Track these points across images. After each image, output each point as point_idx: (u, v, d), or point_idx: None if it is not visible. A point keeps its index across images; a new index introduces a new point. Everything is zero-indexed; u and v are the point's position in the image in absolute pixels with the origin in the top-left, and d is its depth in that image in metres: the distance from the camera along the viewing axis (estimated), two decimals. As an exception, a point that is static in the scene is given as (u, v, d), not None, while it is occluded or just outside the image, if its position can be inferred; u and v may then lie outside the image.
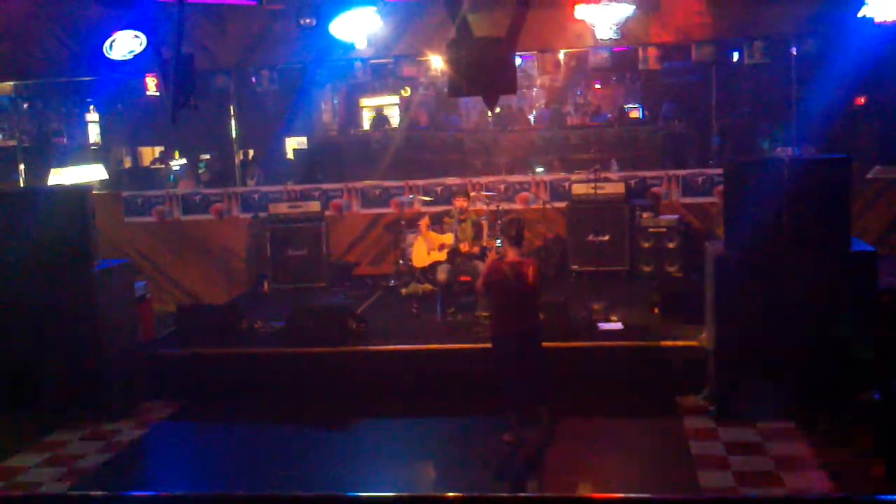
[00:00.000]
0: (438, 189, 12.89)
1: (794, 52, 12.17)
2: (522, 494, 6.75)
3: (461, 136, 16.99)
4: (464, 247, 10.06)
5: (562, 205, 12.34)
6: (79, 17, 12.62)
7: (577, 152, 15.49)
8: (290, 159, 17.43)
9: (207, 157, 17.27)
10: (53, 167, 14.13)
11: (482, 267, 9.99)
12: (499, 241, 11.19)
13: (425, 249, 10.46)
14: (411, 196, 12.91)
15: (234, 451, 8.23)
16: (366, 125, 20.68)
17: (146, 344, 9.82)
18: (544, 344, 7.97)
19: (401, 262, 11.93)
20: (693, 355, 8.45)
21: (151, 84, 12.56)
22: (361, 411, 8.81)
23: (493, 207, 11.85)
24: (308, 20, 11.25)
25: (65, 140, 17.17)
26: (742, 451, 7.32)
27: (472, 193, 11.78)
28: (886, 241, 11.28)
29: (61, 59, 12.92)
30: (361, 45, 11.72)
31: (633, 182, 12.43)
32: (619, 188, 12.14)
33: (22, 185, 14.08)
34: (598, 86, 20.83)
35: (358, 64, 12.48)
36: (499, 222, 11.64)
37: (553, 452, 7.79)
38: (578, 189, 12.15)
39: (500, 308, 7.73)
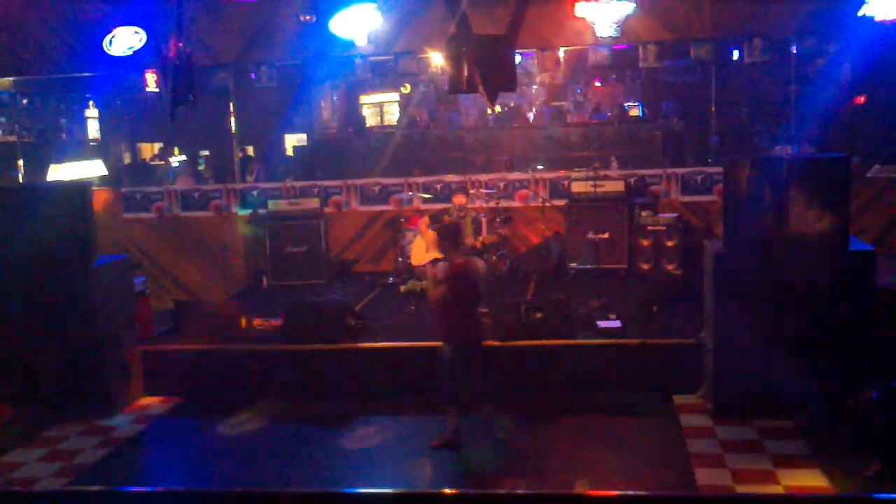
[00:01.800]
0: (438, 186, 12.88)
1: (794, 51, 12.17)
2: (519, 491, 6.75)
3: (461, 134, 17.00)
4: (468, 241, 10.06)
5: (561, 202, 12.35)
6: (79, 13, 12.62)
7: (577, 150, 15.50)
8: (289, 156, 17.44)
9: (206, 153, 17.28)
10: (52, 163, 14.15)
11: (480, 264, 10.00)
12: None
13: (424, 248, 10.46)
14: (410, 193, 12.91)
15: (231, 447, 8.23)
16: (366, 122, 20.69)
17: (144, 340, 9.81)
18: (546, 341, 7.96)
19: (399, 259, 11.93)
20: (691, 353, 8.45)
21: (151, 80, 12.54)
22: (359, 408, 8.82)
23: (492, 205, 11.85)
24: (308, 17, 11.25)
25: (64, 136, 17.17)
26: (739, 449, 7.32)
27: (472, 191, 11.78)
28: (885, 240, 11.28)
29: (61, 54, 12.91)
30: (361, 41, 11.72)
31: (632, 180, 12.43)
32: (619, 186, 12.15)
33: (21, 180, 14.08)
34: (598, 84, 20.82)
35: (358, 61, 12.48)
36: (497, 220, 11.65)
37: (550, 449, 7.80)
38: (578, 187, 12.15)
39: (448, 311, 7.60)
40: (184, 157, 17.37)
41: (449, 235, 7.76)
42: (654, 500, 3.45)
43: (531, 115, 18.82)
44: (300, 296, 11.43)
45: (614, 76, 20.12)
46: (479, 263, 7.72)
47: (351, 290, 11.89)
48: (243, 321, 10.08)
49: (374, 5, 11.33)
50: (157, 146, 18.66)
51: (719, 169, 11.20)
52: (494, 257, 11.25)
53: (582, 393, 8.62)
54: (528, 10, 8.04)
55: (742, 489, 6.65)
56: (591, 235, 11.76)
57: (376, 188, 13.20)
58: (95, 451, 8.01)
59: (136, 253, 12.91)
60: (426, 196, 12.74)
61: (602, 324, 9.43)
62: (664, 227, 11.82)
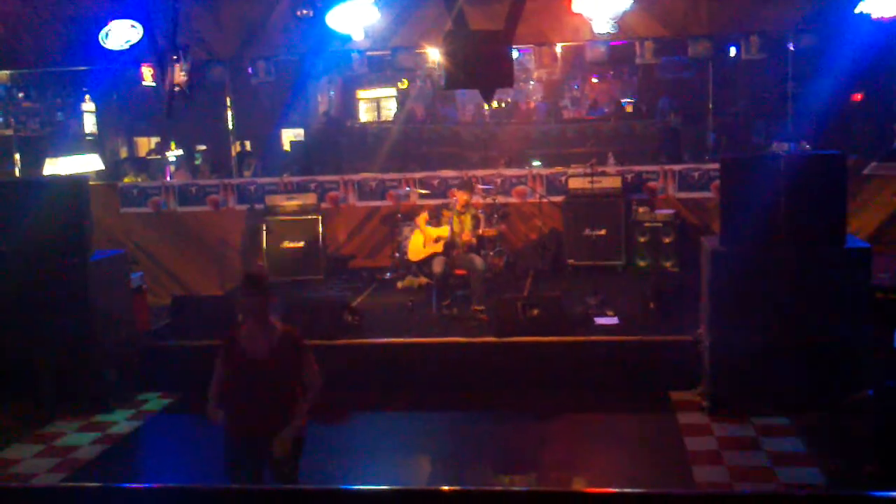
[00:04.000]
0: (435, 182, 12.87)
1: (791, 48, 12.17)
2: (517, 488, 6.76)
3: (458, 129, 16.99)
4: (461, 237, 10.05)
5: (558, 199, 12.35)
6: (75, 6, 12.56)
7: (574, 146, 15.49)
8: (286, 151, 17.41)
9: (203, 148, 17.25)
10: (49, 157, 14.10)
11: (478, 261, 10.02)
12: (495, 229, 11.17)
13: (421, 243, 10.45)
14: (408, 189, 12.90)
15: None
16: (363, 117, 20.67)
17: (141, 335, 9.81)
18: (544, 338, 7.75)
19: (396, 255, 11.94)
20: (688, 350, 8.46)
21: (147, 74, 12.51)
22: (356, 404, 8.81)
23: (489, 201, 11.85)
24: (305, 11, 11.22)
25: (61, 129, 17.12)
26: (736, 446, 7.34)
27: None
28: (881, 237, 11.29)
29: (57, 48, 12.86)
30: (358, 36, 11.70)
31: (629, 176, 12.43)
32: (616, 182, 12.15)
33: (17, 174, 14.04)
34: (595, 80, 20.83)
35: (355, 56, 12.45)
36: (494, 216, 11.65)
37: (547, 446, 7.80)
38: (575, 183, 12.16)
39: (237, 402, 5.47)
40: (180, 152, 17.34)
41: (254, 287, 5.39)
42: (651, 498, 3.46)
43: (528, 111, 18.81)
44: (297, 291, 11.42)
45: (611, 72, 20.13)
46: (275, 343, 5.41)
47: (348, 286, 11.89)
48: (240, 317, 10.06)
49: (371, 0, 11.31)
50: (154, 140, 18.62)
51: (716, 165, 11.21)
52: (492, 253, 11.25)
53: (579, 390, 8.62)
54: (525, 5, 8.02)
55: (739, 486, 6.66)
56: (588, 232, 11.79)
57: (373, 183, 13.19)
58: (93, 448, 8.01)
59: (133, 248, 12.87)
60: (423, 192, 12.74)
61: (599, 320, 9.44)
62: (661, 224, 11.84)
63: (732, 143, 14.72)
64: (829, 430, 7.41)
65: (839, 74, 12.40)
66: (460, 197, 10.24)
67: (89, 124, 18.32)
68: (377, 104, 21.13)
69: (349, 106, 20.95)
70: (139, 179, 14.22)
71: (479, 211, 10.75)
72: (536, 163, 14.44)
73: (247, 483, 5.23)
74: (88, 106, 18.15)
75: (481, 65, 7.76)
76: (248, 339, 5.41)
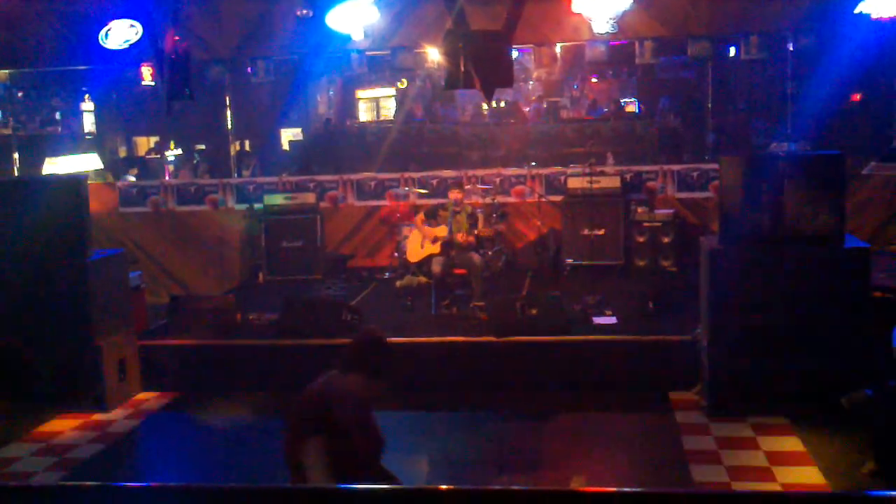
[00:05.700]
0: (434, 181, 12.87)
1: (791, 48, 12.18)
2: (515, 487, 6.76)
3: (457, 129, 16.99)
4: (460, 237, 10.04)
5: (557, 198, 12.35)
6: (74, 5, 12.57)
7: (573, 146, 15.50)
8: (285, 150, 17.43)
9: (202, 147, 17.27)
10: (48, 156, 14.11)
11: (477, 259, 10.02)
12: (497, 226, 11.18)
13: (419, 243, 10.45)
14: (407, 188, 12.90)
15: (227, 442, 8.22)
16: (362, 117, 20.68)
17: (140, 334, 9.80)
18: (541, 337, 7.68)
19: (395, 254, 11.94)
20: (686, 350, 8.46)
21: (147, 74, 12.52)
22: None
23: (488, 200, 11.85)
24: (305, 11, 11.23)
25: (59, 129, 17.15)
26: (734, 446, 7.33)
27: (468, 186, 11.78)
28: (880, 237, 11.30)
29: (56, 47, 12.87)
30: (358, 36, 11.70)
31: (628, 176, 12.43)
32: (615, 182, 12.14)
33: (16, 174, 14.04)
34: (594, 79, 20.83)
35: (354, 55, 12.45)
36: (493, 216, 11.65)
37: (545, 445, 7.80)
38: (574, 183, 12.15)
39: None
40: (180, 152, 17.36)
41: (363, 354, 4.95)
42: (649, 497, 3.46)
43: (527, 111, 18.81)
44: (296, 291, 11.42)
45: (611, 72, 20.14)
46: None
47: (347, 286, 11.89)
48: (239, 316, 10.08)
49: (370, 0, 11.31)
50: (153, 140, 18.63)
51: (715, 165, 11.24)
52: (490, 253, 11.25)
53: (577, 389, 8.62)
54: (525, 5, 8.04)
55: (738, 486, 6.66)
56: (586, 231, 11.78)
57: (372, 183, 13.19)
58: (91, 447, 8.00)
59: (132, 247, 12.88)
60: (422, 191, 12.74)
61: (598, 320, 9.43)
62: (660, 224, 11.83)
63: (732, 143, 14.74)
64: (827, 429, 7.41)
65: (839, 74, 12.41)
66: (452, 196, 10.24)
67: (88, 124, 18.37)
68: (376, 104, 21.14)
69: (349, 106, 20.95)
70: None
71: (478, 210, 10.75)
72: (533, 164, 14.48)
73: None
74: (88, 105, 18.20)
75: (481, 64, 7.78)
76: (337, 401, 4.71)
